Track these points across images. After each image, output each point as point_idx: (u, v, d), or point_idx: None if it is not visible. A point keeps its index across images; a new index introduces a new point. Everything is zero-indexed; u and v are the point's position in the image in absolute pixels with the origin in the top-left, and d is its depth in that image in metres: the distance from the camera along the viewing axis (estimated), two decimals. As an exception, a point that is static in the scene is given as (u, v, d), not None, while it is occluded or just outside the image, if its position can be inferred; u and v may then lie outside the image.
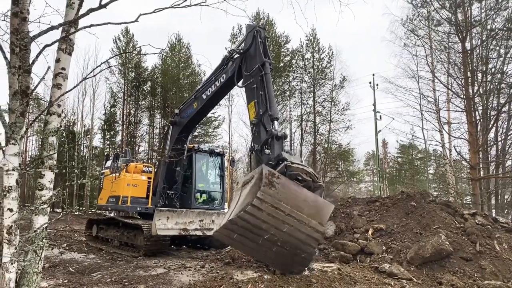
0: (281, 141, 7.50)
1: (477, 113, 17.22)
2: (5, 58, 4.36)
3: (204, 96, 10.63)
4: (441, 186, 31.16)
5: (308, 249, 6.13)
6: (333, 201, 9.68)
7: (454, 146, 19.12)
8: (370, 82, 32.05)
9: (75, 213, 31.56)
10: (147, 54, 5.46)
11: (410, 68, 21.52)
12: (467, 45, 17.35)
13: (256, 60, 8.37)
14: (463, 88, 17.26)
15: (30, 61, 4.44)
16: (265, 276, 6.45)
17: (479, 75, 17.43)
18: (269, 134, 7.50)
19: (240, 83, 9.11)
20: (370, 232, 10.26)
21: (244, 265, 7.21)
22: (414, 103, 22.06)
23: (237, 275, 6.44)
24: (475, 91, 16.97)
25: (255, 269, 6.78)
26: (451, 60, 18.27)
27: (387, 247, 9.51)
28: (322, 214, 6.06)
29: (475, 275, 7.91)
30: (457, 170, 25.80)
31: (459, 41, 17.59)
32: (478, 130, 17.12)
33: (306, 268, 6.73)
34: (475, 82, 17.05)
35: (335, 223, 11.16)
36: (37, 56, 4.34)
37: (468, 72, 17.07)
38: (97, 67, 4.91)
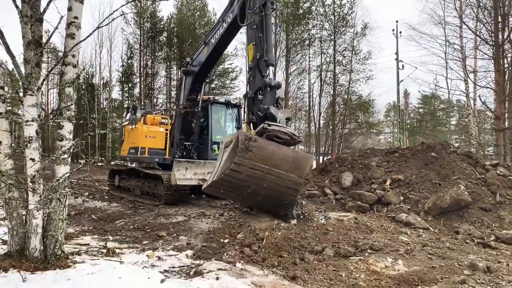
0: (274, 90, 7.40)
1: (505, 60, 16.40)
2: (17, 7, 4.28)
3: (212, 40, 10.40)
4: (463, 137, 30.61)
5: (289, 197, 6.68)
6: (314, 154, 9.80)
7: (479, 96, 18.48)
8: (393, 30, 30.82)
9: (98, 164, 32.54)
10: (160, 0, 5.27)
11: (437, 13, 20.46)
12: (500, -13, 16.22)
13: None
14: (493, 34, 16.34)
15: (42, 10, 4.35)
16: (282, 224, 6.57)
17: (511, 19, 16.40)
18: (263, 83, 7.37)
19: (243, 23, 8.80)
20: (388, 183, 10.25)
21: (262, 214, 7.35)
22: (438, 51, 21.30)
23: (255, 223, 6.58)
24: (505, 37, 16.05)
25: (272, 218, 6.91)
26: (481, 4, 17.17)
27: (405, 198, 9.52)
28: (301, 167, 6.51)
29: (493, 225, 7.88)
30: (480, 120, 25.15)
31: (490, -17, 16.46)
32: (506, 78, 16.38)
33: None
34: (506, 28, 16.08)
35: (352, 174, 11.17)
36: (48, 4, 4.24)
37: (499, 17, 16.05)
38: (110, 15, 4.77)
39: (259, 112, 7.19)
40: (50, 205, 4.61)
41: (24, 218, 4.64)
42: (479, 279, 4.48)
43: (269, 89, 7.32)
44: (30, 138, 4.39)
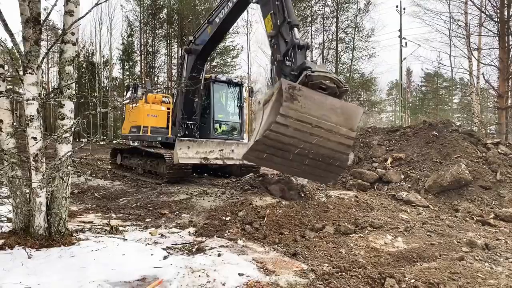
0: (303, 50, 6.90)
1: (510, 37, 16.16)
2: (13, -17, 4.20)
3: (217, 20, 10.19)
4: (466, 115, 30.48)
5: (341, 156, 5.93)
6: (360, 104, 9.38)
7: (482, 74, 18.30)
8: (397, 6, 30.21)
9: (100, 142, 32.64)
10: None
11: (441, -13, 20.05)
12: (507, -39, 15.83)
13: None
14: (498, 11, 16.05)
15: (39, -14, 4.29)
16: (283, 202, 6.64)
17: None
18: (291, 44, 6.90)
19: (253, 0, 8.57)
20: (389, 161, 10.29)
21: (263, 192, 7.42)
22: (442, 28, 20.89)
23: (256, 201, 6.65)
24: (510, 13, 15.77)
25: (273, 196, 6.98)
26: (487, -21, 16.82)
27: (406, 176, 9.57)
28: (351, 119, 5.82)
29: (493, 203, 7.94)
30: (483, 99, 24.98)
31: (497, -43, 16.06)
32: (510, 56, 16.17)
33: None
34: (511, 4, 15.79)
35: (353, 152, 11.19)
36: (45, -19, 4.17)
37: (505, -7, 15.76)
38: (107, -9, 4.68)
39: (292, 72, 6.54)
40: (53, 184, 4.66)
41: (28, 196, 4.68)
42: (477, 256, 4.55)
43: (298, 49, 6.80)
44: (32, 117, 4.38)
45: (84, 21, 36.42)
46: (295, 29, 7.15)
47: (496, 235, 5.75)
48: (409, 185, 9.13)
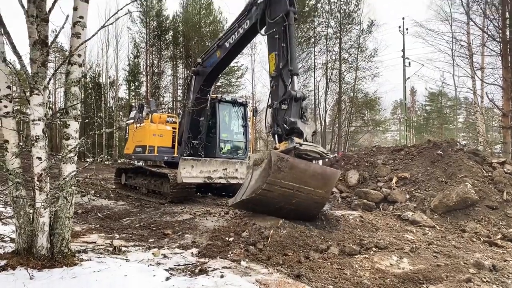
0: (299, 102, 7.30)
1: (513, 57, 16.22)
2: (23, 7, 4.32)
3: (227, 44, 10.35)
4: (471, 135, 30.37)
5: (314, 211, 7.02)
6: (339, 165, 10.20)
7: (486, 93, 18.33)
8: (399, 27, 30.57)
9: (105, 162, 32.74)
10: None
11: (443, 9, 20.32)
12: (507, -18, 16.04)
13: (281, 7, 7.86)
14: (500, 31, 16.18)
15: (47, 10, 4.39)
16: (287, 223, 6.58)
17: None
18: (288, 94, 7.24)
19: (263, 31, 8.73)
20: (393, 181, 10.21)
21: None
22: (445, 48, 21.04)
23: (260, 221, 6.60)
24: (513, 33, 15.89)
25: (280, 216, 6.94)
26: (488, 0, 16.99)
27: (411, 196, 9.48)
28: (328, 183, 6.86)
29: (500, 223, 7.83)
30: (488, 118, 24.94)
31: (498, -21, 16.30)
32: (514, 75, 16.19)
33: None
34: (514, 24, 15.91)
35: (358, 172, 11.15)
36: (53, 4, 4.29)
37: (507, 13, 15.89)
38: (115, 13, 4.80)
39: (284, 125, 7.10)
40: (57, 203, 4.66)
41: (31, 217, 4.69)
42: (485, 278, 4.46)
43: (294, 101, 7.21)
44: (37, 137, 4.43)
45: (91, 42, 37.12)
46: (295, 77, 7.54)
47: (503, 256, 5.64)
48: (415, 205, 9.04)
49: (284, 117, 7.20)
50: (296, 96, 7.24)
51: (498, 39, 16.49)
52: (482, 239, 6.77)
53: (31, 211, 4.68)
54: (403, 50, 30.63)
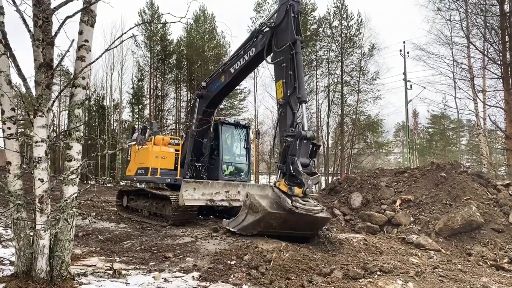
0: (309, 142, 7.33)
1: (515, 80, 16.34)
2: (29, 31, 4.41)
3: (232, 70, 10.45)
4: (474, 157, 30.26)
5: (307, 237, 7.74)
6: (330, 211, 10.67)
7: (488, 115, 18.36)
8: (400, 50, 30.88)
9: (108, 184, 32.68)
10: (167, 23, 5.37)
11: (443, 33, 20.60)
12: (506, 7, 16.30)
13: (288, 36, 7.96)
14: (500, 54, 16.34)
15: (53, 33, 4.48)
16: (290, 246, 6.49)
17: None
18: (298, 134, 7.23)
19: (269, 59, 8.80)
20: (397, 203, 10.13)
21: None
22: (446, 71, 21.17)
23: (262, 244, 6.51)
24: (513, 56, 16.05)
25: (280, 239, 6.85)
26: (488, 24, 17.24)
27: (415, 218, 9.38)
28: (316, 227, 7.66)
29: (507, 246, 7.72)
30: (491, 140, 24.89)
31: (497, 3, 16.55)
32: (516, 98, 16.26)
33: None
34: (514, 48, 16.10)
35: (361, 194, 11.07)
36: (59, 28, 4.38)
37: (506, 36, 16.09)
38: (119, 37, 4.88)
39: (290, 167, 7.15)
40: (57, 226, 4.62)
41: (31, 239, 4.65)
42: (493, 303, 4.35)
43: (304, 140, 7.23)
44: (39, 159, 4.44)
45: (96, 66, 37.64)
46: (303, 105, 7.70)
47: (511, 281, 5.52)
48: (419, 228, 8.94)
49: (292, 155, 7.21)
50: (307, 136, 7.25)
51: (498, 62, 16.64)
52: (488, 262, 6.65)
53: (32, 233, 4.64)
54: (404, 73, 30.90)
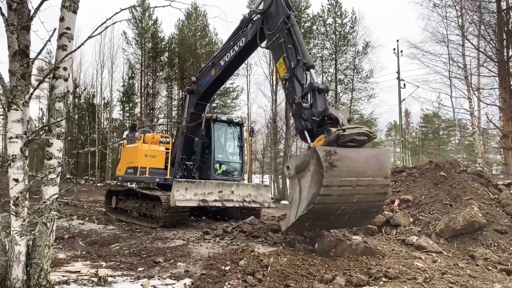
0: (323, 94, 6.70)
1: (511, 77, 16.17)
2: (2, 14, 3.97)
3: (222, 62, 10.07)
4: (465, 156, 30.22)
5: (378, 204, 6.33)
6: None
7: (486, 114, 18.20)
8: (394, 49, 30.75)
9: (98, 184, 32.08)
10: (155, 7, 4.95)
11: (439, 31, 20.41)
12: (503, 4, 16.13)
13: (279, 16, 7.71)
14: (497, 51, 16.16)
15: (29, 17, 4.05)
16: (288, 249, 6.14)
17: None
18: (309, 87, 6.70)
19: (263, 44, 8.51)
20: (396, 204, 9.83)
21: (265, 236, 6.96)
22: (442, 70, 20.96)
23: (258, 248, 6.16)
24: (510, 54, 15.85)
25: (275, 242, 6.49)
26: (484, 21, 17.04)
27: (415, 219, 9.09)
28: (384, 166, 6.10)
29: (511, 248, 7.44)
30: (484, 139, 24.82)
31: (494, 0, 16.35)
32: (512, 96, 16.09)
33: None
34: (510, 45, 15.91)
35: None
36: (35, 11, 3.96)
37: (504, 34, 15.91)
38: (103, 23, 4.46)
39: (313, 117, 6.45)
40: (35, 230, 4.20)
41: (6, 245, 4.22)
42: (510, 313, 4.03)
43: (318, 93, 6.64)
44: (14, 157, 4.02)
45: (86, 64, 37.09)
46: (312, 70, 7.11)
47: (524, 287, 5.22)
48: (419, 229, 8.64)
49: (311, 111, 6.58)
50: (319, 88, 6.69)
51: (495, 60, 16.46)
52: (498, 267, 6.34)
53: (6, 238, 4.22)
54: (398, 72, 30.76)
